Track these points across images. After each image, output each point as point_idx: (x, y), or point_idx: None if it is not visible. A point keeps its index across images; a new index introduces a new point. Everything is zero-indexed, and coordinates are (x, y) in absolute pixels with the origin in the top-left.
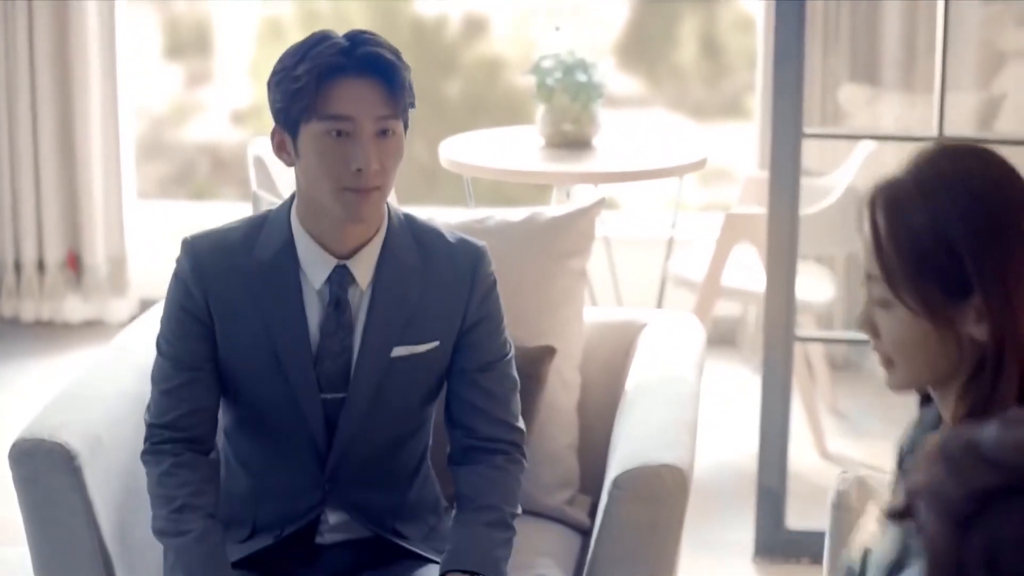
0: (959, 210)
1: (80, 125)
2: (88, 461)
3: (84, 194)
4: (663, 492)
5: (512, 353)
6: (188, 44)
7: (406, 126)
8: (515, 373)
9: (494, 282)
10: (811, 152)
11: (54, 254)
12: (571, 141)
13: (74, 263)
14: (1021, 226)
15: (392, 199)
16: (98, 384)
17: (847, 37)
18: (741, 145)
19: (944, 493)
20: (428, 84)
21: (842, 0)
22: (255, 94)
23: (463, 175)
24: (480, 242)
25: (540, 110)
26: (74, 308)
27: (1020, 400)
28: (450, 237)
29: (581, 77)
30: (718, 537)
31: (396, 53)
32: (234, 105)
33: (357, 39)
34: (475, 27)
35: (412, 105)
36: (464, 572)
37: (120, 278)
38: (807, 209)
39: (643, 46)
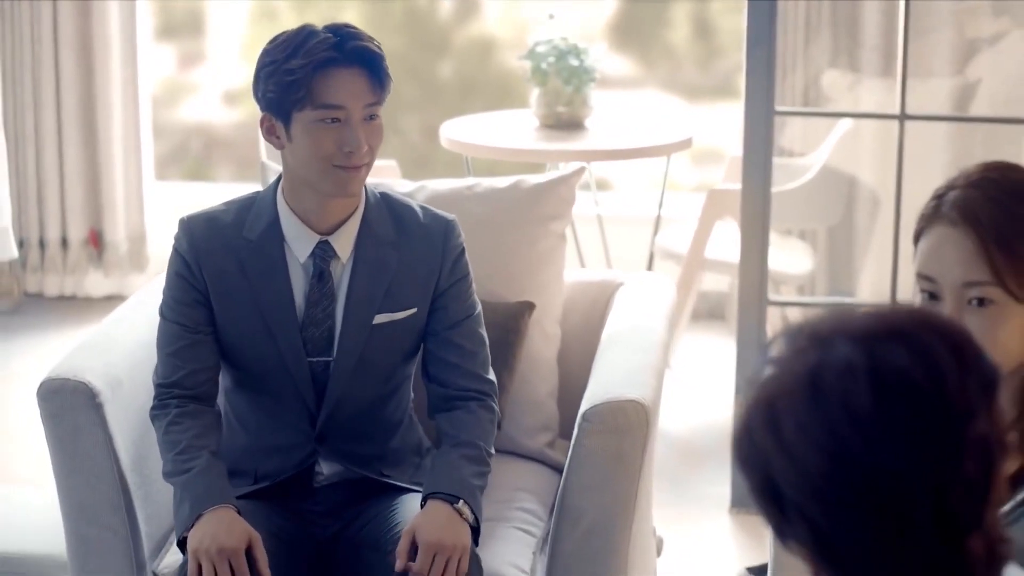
0: None
1: (102, 109)
2: (109, 399)
3: (105, 175)
4: (627, 424)
5: (479, 311)
6: (180, 25)
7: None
8: (483, 331)
9: (463, 250)
10: (794, 134)
11: (77, 232)
12: (564, 122)
13: (96, 240)
14: None
15: (396, 178)
16: (118, 333)
17: (828, 25)
18: (732, 125)
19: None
20: (421, 65)
21: None
22: (247, 74)
23: (463, 154)
24: (450, 215)
25: (535, 93)
26: (96, 283)
27: None
28: (421, 211)
29: (574, 62)
30: (699, 491)
31: (378, 45)
32: (226, 86)
33: (343, 33)
34: (467, 8)
35: (389, 91)
36: (444, 495)
37: (139, 255)
38: (787, 185)
39: (636, 27)
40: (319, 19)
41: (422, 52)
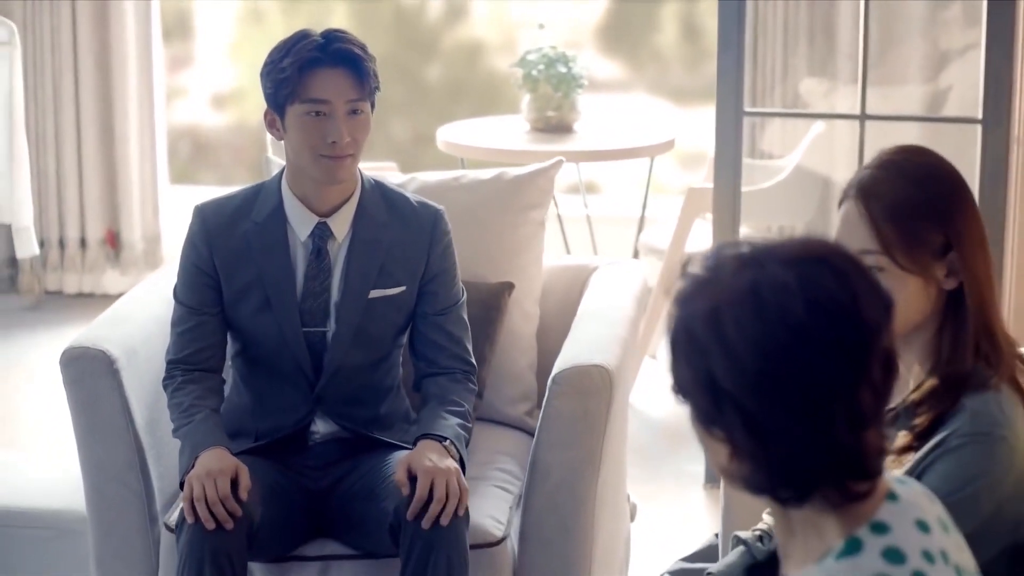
0: (942, 187)
1: (119, 114)
2: (125, 366)
3: (122, 177)
4: (592, 387)
5: (464, 299)
6: (169, 28)
7: (373, 106)
8: (466, 317)
9: (450, 240)
10: (773, 137)
11: (95, 232)
12: (554, 126)
13: (113, 240)
14: (964, 193)
15: (395, 171)
16: (134, 309)
17: (806, 34)
18: None
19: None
20: (409, 68)
21: (800, 0)
22: (235, 78)
23: (458, 156)
24: (439, 205)
25: (526, 99)
26: (112, 281)
27: (978, 345)
28: (413, 200)
29: (562, 69)
30: (676, 468)
31: (363, 48)
32: (215, 89)
33: (331, 36)
34: (455, 11)
35: (377, 89)
36: (432, 436)
37: (155, 254)
38: (762, 184)
39: (624, 30)
40: (307, 20)
41: (410, 54)
